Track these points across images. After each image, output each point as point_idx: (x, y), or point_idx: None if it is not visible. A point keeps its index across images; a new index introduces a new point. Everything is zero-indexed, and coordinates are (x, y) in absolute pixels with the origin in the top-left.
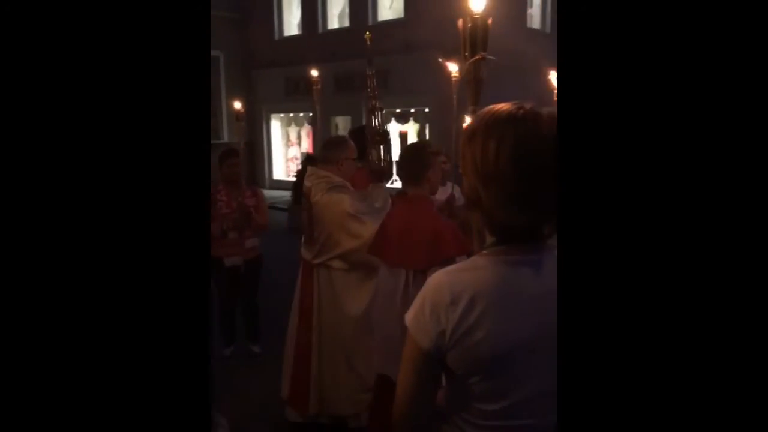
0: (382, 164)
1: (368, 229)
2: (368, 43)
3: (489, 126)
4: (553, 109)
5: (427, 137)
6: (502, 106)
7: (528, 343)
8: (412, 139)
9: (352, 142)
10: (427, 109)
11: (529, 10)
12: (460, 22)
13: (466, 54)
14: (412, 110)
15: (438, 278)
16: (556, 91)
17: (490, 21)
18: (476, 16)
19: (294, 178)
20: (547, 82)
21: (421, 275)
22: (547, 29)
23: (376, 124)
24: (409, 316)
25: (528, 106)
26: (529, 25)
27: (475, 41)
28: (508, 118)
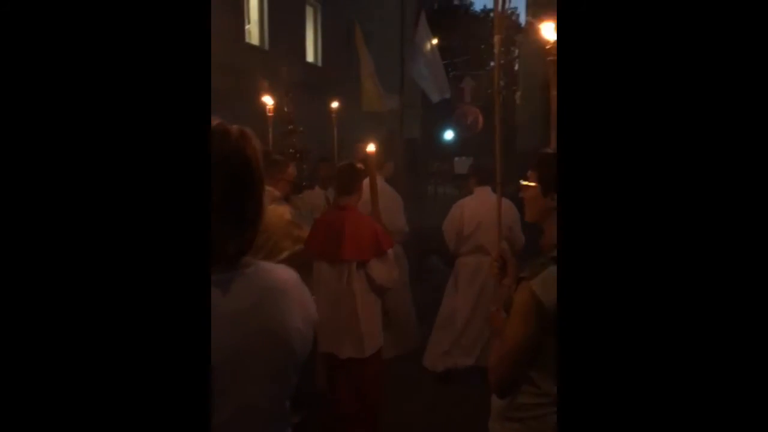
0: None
1: (306, 233)
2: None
3: None
4: (246, 127)
5: None
6: None
7: (224, 363)
8: None
9: (292, 167)
10: None
11: (247, 26)
12: None
13: None
14: None
15: None
16: (269, 108)
17: None
18: None
19: None
20: (262, 102)
21: (360, 267)
22: (266, 46)
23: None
24: None
25: (216, 122)
26: (247, 41)
27: None
28: None
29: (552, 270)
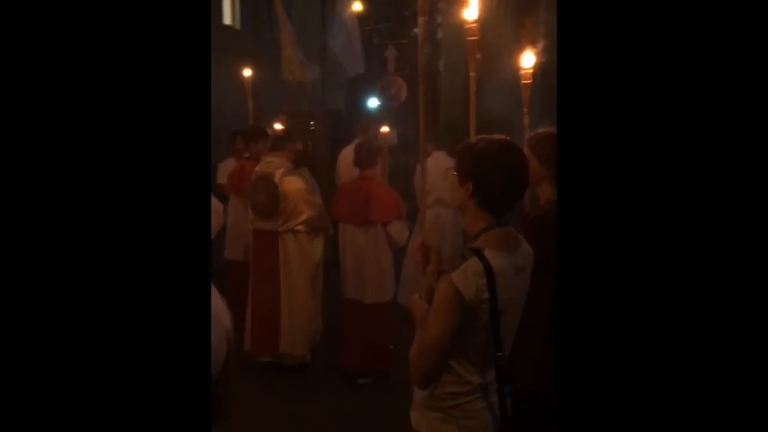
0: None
1: (318, 199)
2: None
3: None
4: None
5: None
6: None
7: None
8: None
9: (298, 143)
10: None
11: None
12: None
13: None
14: None
15: None
16: (247, 80)
17: None
18: None
19: None
20: (242, 77)
21: (383, 227)
22: (238, 25)
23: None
24: None
25: None
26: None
27: None
28: None
29: (472, 262)
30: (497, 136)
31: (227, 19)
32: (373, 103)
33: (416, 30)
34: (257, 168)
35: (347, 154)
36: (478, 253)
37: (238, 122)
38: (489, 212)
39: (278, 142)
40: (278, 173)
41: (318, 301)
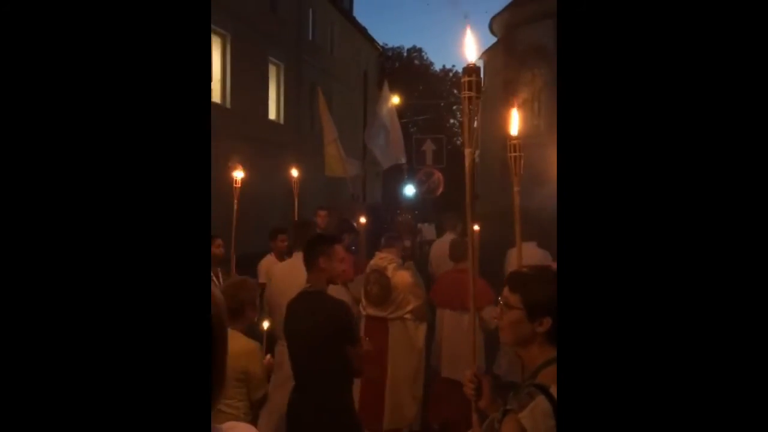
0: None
1: (423, 292)
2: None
3: None
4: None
5: None
6: None
7: None
8: None
9: (408, 240)
10: None
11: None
12: None
13: None
14: None
15: None
16: (294, 181)
17: None
18: None
19: None
20: (290, 177)
21: (477, 312)
22: (227, 104)
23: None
24: None
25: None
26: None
27: None
28: None
29: (540, 401)
30: (551, 267)
31: (272, 114)
32: (409, 191)
33: (452, 121)
34: (372, 262)
35: (438, 247)
36: (546, 392)
37: (280, 217)
38: (555, 345)
39: (390, 240)
40: (390, 267)
41: (420, 385)
